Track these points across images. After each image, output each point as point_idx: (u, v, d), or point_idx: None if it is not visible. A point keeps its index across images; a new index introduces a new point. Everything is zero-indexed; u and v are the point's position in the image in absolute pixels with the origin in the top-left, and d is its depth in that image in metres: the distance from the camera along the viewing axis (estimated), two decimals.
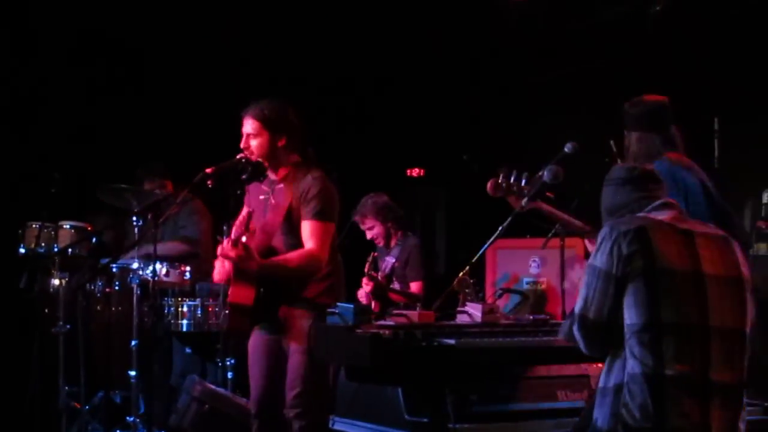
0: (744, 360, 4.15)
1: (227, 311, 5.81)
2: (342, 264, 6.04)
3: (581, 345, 4.14)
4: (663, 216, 4.18)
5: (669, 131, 5.67)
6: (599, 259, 4.10)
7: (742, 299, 4.18)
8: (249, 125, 5.88)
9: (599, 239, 4.12)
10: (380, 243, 8.30)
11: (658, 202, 4.27)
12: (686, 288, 4.04)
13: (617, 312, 4.07)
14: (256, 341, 5.98)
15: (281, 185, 5.90)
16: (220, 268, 5.91)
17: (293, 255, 5.75)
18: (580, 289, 4.14)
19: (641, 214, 4.21)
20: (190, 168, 6.02)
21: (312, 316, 5.62)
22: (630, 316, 4.02)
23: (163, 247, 7.93)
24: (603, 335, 4.09)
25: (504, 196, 5.27)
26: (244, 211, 6.00)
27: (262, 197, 5.99)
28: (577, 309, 4.13)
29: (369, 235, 8.28)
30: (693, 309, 4.03)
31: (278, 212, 5.84)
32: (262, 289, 5.69)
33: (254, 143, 5.84)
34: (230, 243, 5.52)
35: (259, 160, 5.84)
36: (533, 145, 5.45)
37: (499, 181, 5.29)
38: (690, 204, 5.36)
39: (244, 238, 5.57)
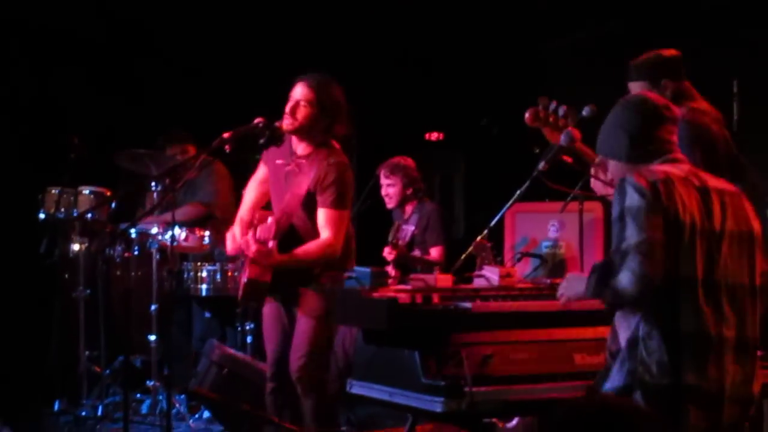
0: (756, 315, 4.15)
1: (244, 282, 5.87)
2: (354, 237, 6.16)
3: (635, 283, 3.89)
4: (679, 171, 4.15)
5: (683, 82, 5.64)
6: (637, 199, 3.98)
7: (752, 255, 4.17)
8: (303, 92, 5.89)
9: (626, 185, 4.03)
10: (390, 204, 8.27)
11: (670, 156, 4.22)
12: (702, 244, 4.03)
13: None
14: (269, 309, 6.12)
15: (304, 161, 5.91)
16: (232, 241, 5.97)
17: (312, 247, 5.87)
18: (624, 231, 3.98)
19: (661, 167, 4.16)
20: (209, 132, 6.02)
21: (322, 294, 5.81)
22: None
23: (179, 212, 7.96)
24: (664, 266, 3.94)
25: (541, 126, 5.23)
26: (263, 168, 6.04)
27: (279, 161, 6.00)
28: (633, 245, 3.92)
29: (384, 191, 8.26)
30: (708, 265, 4.03)
31: (297, 195, 5.87)
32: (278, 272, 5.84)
33: (300, 113, 5.84)
34: (255, 241, 5.68)
35: (277, 125, 5.84)
36: (539, 97, 5.41)
37: (539, 111, 5.25)
38: (705, 154, 5.33)
39: (270, 244, 5.65)
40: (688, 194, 4.07)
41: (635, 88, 5.60)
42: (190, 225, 8.03)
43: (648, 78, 5.59)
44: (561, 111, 5.13)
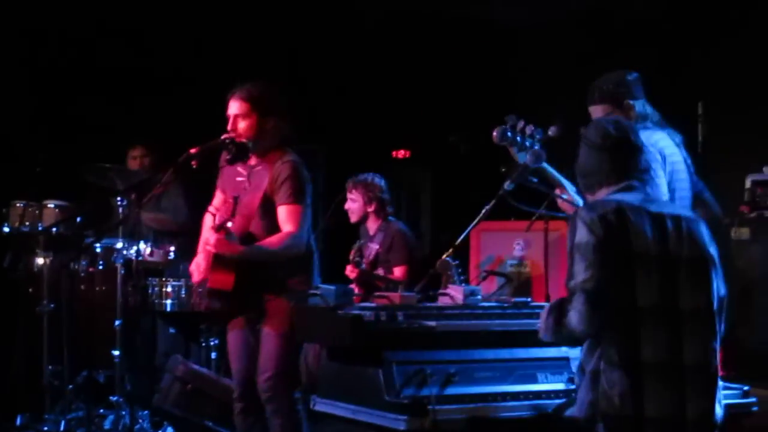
0: (715, 341, 4.16)
1: (206, 294, 5.84)
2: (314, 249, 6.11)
3: (582, 322, 3.98)
4: (632, 198, 4.17)
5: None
6: (585, 235, 4.04)
7: (709, 279, 4.17)
8: (236, 107, 5.87)
9: (577, 220, 4.10)
10: (352, 218, 8.25)
11: (624, 183, 4.25)
12: (660, 271, 4.04)
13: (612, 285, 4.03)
14: (234, 326, 6.06)
15: (259, 168, 5.90)
16: (197, 270, 5.93)
17: (274, 238, 5.81)
18: (573, 268, 4.06)
19: (613, 197, 4.19)
20: (174, 149, 6.01)
21: (289, 303, 5.70)
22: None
23: (148, 216, 7.96)
24: (606, 305, 4.00)
25: (508, 145, 5.25)
26: (220, 196, 6.03)
27: (239, 179, 6.00)
28: (580, 284, 4.00)
29: (348, 204, 8.25)
30: (666, 292, 4.04)
31: (255, 196, 5.86)
32: (241, 275, 5.73)
33: (242, 125, 5.84)
34: (213, 230, 5.57)
35: (243, 141, 5.83)
36: (507, 115, 5.42)
37: (506, 129, 5.27)
38: (674, 179, 5.37)
39: (229, 224, 5.60)
40: (641, 223, 4.08)
41: (597, 111, 5.61)
42: (156, 237, 8.01)
43: (610, 100, 5.61)
44: (528, 130, 5.14)
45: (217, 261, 5.75)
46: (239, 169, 5.99)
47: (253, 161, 5.95)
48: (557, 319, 4.09)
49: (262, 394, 5.80)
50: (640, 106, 5.60)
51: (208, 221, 6.15)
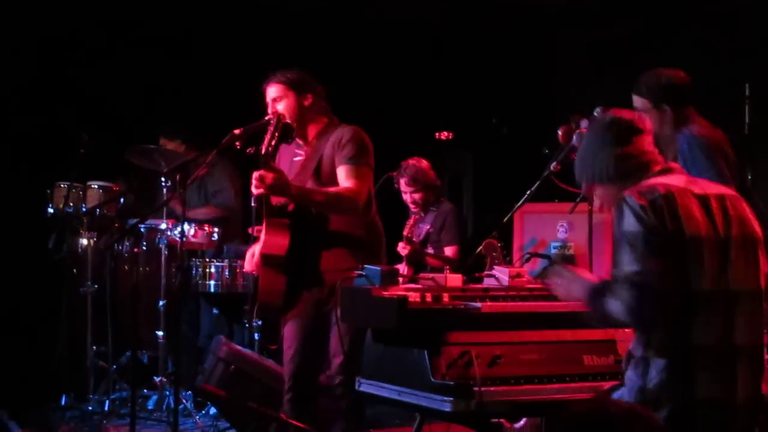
0: (762, 321, 4.11)
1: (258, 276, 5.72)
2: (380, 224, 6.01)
3: (625, 314, 3.91)
4: (677, 181, 4.12)
5: (686, 108, 5.63)
6: (634, 224, 3.95)
7: (756, 258, 4.13)
8: (273, 91, 5.86)
9: (624, 207, 4.01)
10: (416, 209, 8.22)
11: (663, 167, 4.20)
12: (711, 254, 4.00)
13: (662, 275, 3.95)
14: (295, 312, 5.87)
15: (313, 142, 5.88)
16: (250, 259, 5.82)
17: (332, 189, 5.70)
18: (619, 256, 3.97)
19: (661, 180, 4.13)
20: (219, 129, 6.02)
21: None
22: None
23: (197, 212, 7.99)
24: (656, 297, 3.91)
25: (576, 144, 5.22)
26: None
27: (296, 159, 5.97)
28: (627, 275, 3.91)
29: (410, 197, 8.21)
30: (717, 275, 3.99)
31: (309, 166, 5.81)
32: (295, 238, 5.62)
33: (281, 106, 5.82)
34: (263, 159, 5.49)
35: (287, 121, 5.81)
36: (561, 109, 5.41)
37: (571, 128, 5.24)
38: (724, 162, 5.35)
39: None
40: (690, 205, 4.01)
41: (637, 102, 5.59)
42: (207, 224, 8.05)
43: (651, 98, 5.57)
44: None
45: (271, 223, 5.62)
46: (297, 149, 5.96)
47: (310, 137, 5.90)
48: (598, 301, 4.03)
49: (337, 378, 5.71)
50: (680, 111, 5.57)
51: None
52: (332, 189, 5.69)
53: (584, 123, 5.21)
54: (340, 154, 5.72)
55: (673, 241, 3.94)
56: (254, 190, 5.55)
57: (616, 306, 3.94)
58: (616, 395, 4.14)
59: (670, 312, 3.92)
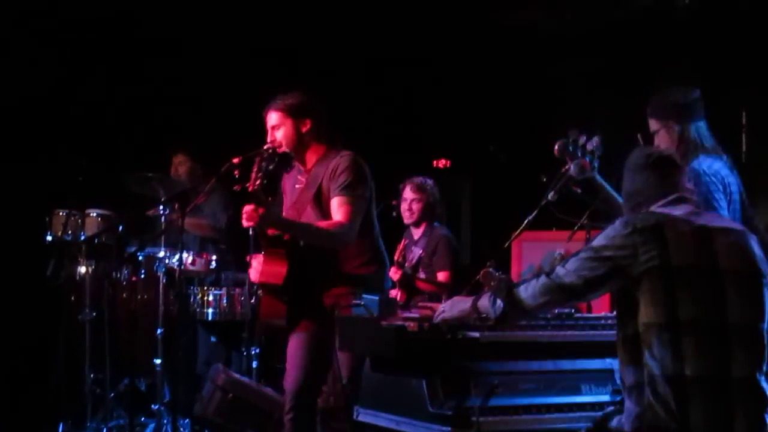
0: (764, 355, 4.11)
1: (259, 294, 5.77)
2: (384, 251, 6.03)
3: (531, 296, 4.20)
4: (679, 211, 4.16)
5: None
6: (604, 244, 4.09)
7: (760, 294, 4.14)
8: (271, 118, 5.89)
9: (610, 230, 4.11)
10: (410, 219, 8.22)
11: (673, 196, 4.23)
12: (703, 285, 4.01)
13: (589, 295, 4.18)
14: (296, 333, 5.86)
15: (312, 169, 5.89)
16: (257, 266, 5.84)
17: (321, 222, 5.73)
18: (568, 259, 4.16)
19: (658, 210, 4.18)
20: (217, 158, 6.03)
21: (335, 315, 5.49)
22: (647, 314, 4.00)
23: (190, 221, 7.97)
24: (561, 300, 4.20)
25: (570, 159, 5.23)
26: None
27: (297, 186, 5.99)
28: (558, 275, 4.15)
29: (408, 205, 8.21)
30: (711, 306, 4.01)
31: (309, 191, 5.83)
32: (293, 268, 5.63)
33: (279, 134, 5.85)
34: (250, 188, 5.50)
35: (286, 150, 5.84)
36: (559, 136, 5.42)
37: (567, 143, 5.25)
38: (730, 210, 5.36)
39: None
40: (683, 235, 4.06)
41: (650, 123, 5.62)
42: (201, 245, 8.06)
43: (658, 116, 5.59)
44: (589, 145, 5.14)
45: (268, 253, 5.67)
46: (299, 176, 5.98)
47: (309, 164, 5.92)
48: (510, 287, 4.26)
49: (340, 401, 5.70)
50: (693, 130, 5.56)
51: None
52: (322, 224, 5.72)
53: (583, 139, 5.21)
54: (334, 184, 5.74)
55: (654, 271, 4.00)
56: (244, 223, 5.59)
57: (523, 289, 4.24)
58: (614, 423, 4.15)
59: (663, 331, 3.97)
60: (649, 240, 4.01)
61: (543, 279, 4.17)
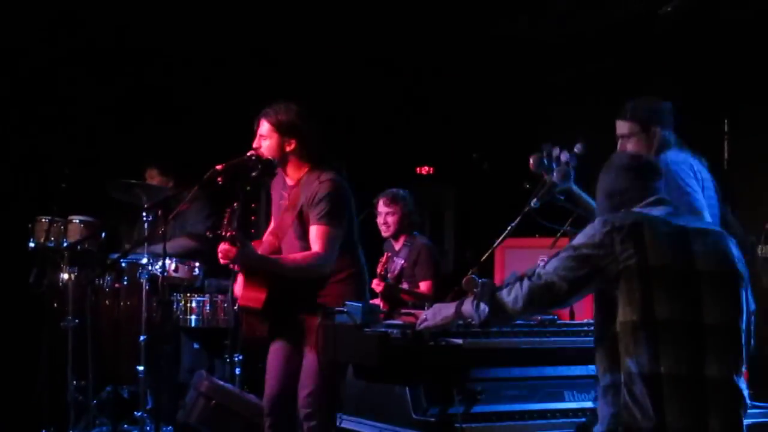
0: (740, 356, 4.13)
1: (240, 313, 5.87)
2: (361, 270, 6.10)
3: (513, 299, 4.17)
4: (657, 212, 4.18)
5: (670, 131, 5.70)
6: (583, 242, 4.09)
7: (736, 294, 4.16)
8: (262, 127, 5.93)
9: (589, 228, 4.12)
10: (386, 233, 8.22)
11: (653, 198, 4.26)
12: (679, 285, 4.04)
13: (572, 296, 4.15)
14: (275, 344, 6.04)
15: (295, 189, 5.92)
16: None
17: (296, 254, 5.84)
18: (550, 259, 4.16)
19: (637, 209, 4.20)
20: (200, 165, 6.03)
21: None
22: (624, 313, 4.01)
23: (171, 245, 7.95)
24: (545, 302, 4.17)
25: (545, 173, 5.25)
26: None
27: (281, 201, 6.04)
28: (541, 275, 4.15)
29: (383, 219, 8.22)
30: (687, 307, 4.03)
31: (289, 215, 5.88)
32: (272, 293, 5.72)
33: (264, 144, 5.88)
34: (222, 232, 5.57)
35: (269, 157, 5.86)
36: (544, 143, 5.43)
37: (542, 157, 5.26)
38: (705, 197, 5.39)
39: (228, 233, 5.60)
40: (661, 235, 4.08)
41: (623, 127, 5.62)
42: (180, 257, 8.03)
43: (639, 121, 5.62)
44: (563, 157, 5.16)
45: (248, 278, 5.76)
46: (282, 192, 6.01)
47: (291, 182, 5.96)
48: (492, 291, 4.25)
49: (302, 411, 5.77)
50: (667, 134, 5.62)
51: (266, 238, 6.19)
52: (299, 257, 5.81)
53: (556, 151, 5.23)
54: (313, 212, 5.80)
55: (632, 271, 4.02)
56: (221, 261, 5.70)
57: (506, 293, 4.22)
58: (597, 429, 4.16)
59: (639, 331, 3.98)
60: (627, 239, 4.03)
61: (525, 282, 4.17)
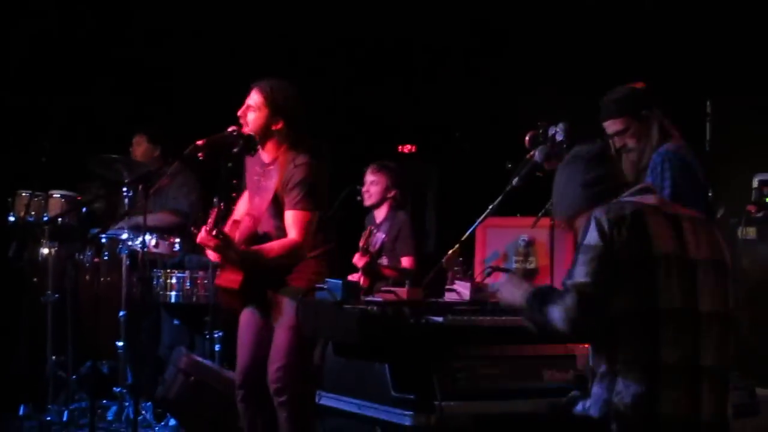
0: (730, 343, 4.16)
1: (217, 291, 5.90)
2: (335, 246, 6.11)
3: (565, 323, 3.96)
4: (649, 201, 4.17)
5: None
6: (595, 238, 4.02)
7: (726, 282, 4.18)
8: (253, 97, 5.85)
9: (591, 219, 4.07)
10: (368, 201, 8.21)
11: (639, 186, 4.26)
12: (679, 274, 4.03)
13: (605, 293, 4.00)
14: (246, 317, 6.06)
15: (271, 167, 5.90)
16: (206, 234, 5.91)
17: (275, 244, 5.82)
18: (574, 267, 4.03)
19: (631, 199, 4.18)
20: (181, 140, 6.01)
21: (296, 301, 5.63)
22: (624, 302, 4.00)
23: (152, 218, 7.91)
24: (599, 314, 3.99)
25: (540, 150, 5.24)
26: (246, 193, 6.05)
27: (255, 177, 6.00)
28: (576, 285, 3.98)
29: (366, 187, 8.21)
30: (686, 295, 4.03)
31: (265, 197, 5.86)
32: (248, 274, 5.76)
33: (251, 116, 5.82)
34: (207, 232, 5.54)
35: (251, 134, 5.82)
36: (525, 124, 5.43)
37: (538, 134, 5.26)
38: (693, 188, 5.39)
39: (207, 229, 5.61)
40: (660, 224, 4.07)
41: (615, 125, 5.56)
42: (161, 232, 8.01)
43: (630, 111, 5.56)
44: (558, 136, 5.15)
45: (224, 260, 5.77)
46: (257, 167, 5.98)
47: (267, 159, 5.94)
48: (539, 305, 4.09)
49: (271, 385, 5.79)
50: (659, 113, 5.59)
51: (241, 205, 6.20)
52: (276, 245, 5.80)
53: (552, 130, 5.23)
54: (288, 197, 5.78)
55: (637, 259, 3.99)
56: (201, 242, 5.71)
57: (556, 313, 3.99)
58: (579, 407, 4.16)
59: (639, 320, 3.96)
60: (632, 227, 4.00)
61: (566, 299, 4.00)
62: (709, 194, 5.63)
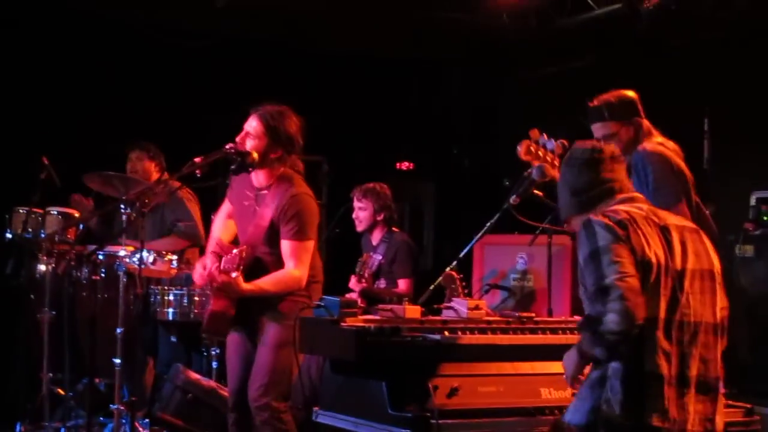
0: (718, 353, 4.16)
1: (208, 314, 5.91)
2: (321, 269, 6.19)
3: (623, 320, 3.84)
4: (638, 210, 4.16)
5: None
6: (605, 237, 3.99)
7: (713, 292, 4.19)
8: (253, 125, 5.88)
9: (592, 226, 4.04)
10: (359, 227, 8.23)
11: (625, 195, 4.25)
12: (668, 282, 4.04)
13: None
14: (233, 338, 6.11)
15: (264, 192, 5.92)
16: (201, 272, 5.93)
17: (277, 277, 5.88)
18: (600, 270, 3.95)
19: (621, 207, 4.17)
20: (178, 157, 6.01)
21: (281, 323, 5.81)
22: None
23: (160, 243, 7.94)
24: (632, 297, 3.88)
25: (532, 160, 5.24)
26: (228, 206, 6.06)
27: (246, 203, 6.01)
28: (614, 281, 3.89)
29: (355, 213, 8.23)
30: (673, 303, 4.04)
31: (260, 225, 5.90)
32: (243, 301, 5.87)
33: (250, 144, 5.84)
34: (218, 272, 5.68)
35: (248, 151, 5.82)
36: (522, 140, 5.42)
37: (531, 145, 5.25)
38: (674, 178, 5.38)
39: (234, 274, 5.69)
40: (650, 233, 4.08)
41: (603, 129, 5.57)
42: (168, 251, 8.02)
43: (620, 116, 5.58)
44: (550, 145, 5.15)
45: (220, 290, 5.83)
46: (247, 192, 5.99)
47: (259, 184, 5.96)
48: (593, 331, 3.97)
49: (252, 403, 5.84)
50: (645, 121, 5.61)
51: (217, 224, 6.28)
52: (276, 277, 5.87)
53: (542, 140, 5.23)
54: (285, 228, 5.85)
55: (636, 261, 3.99)
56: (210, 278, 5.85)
57: (612, 318, 3.88)
58: (567, 413, 4.15)
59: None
60: (627, 233, 4.00)
61: (611, 299, 3.90)
62: (693, 183, 5.60)
